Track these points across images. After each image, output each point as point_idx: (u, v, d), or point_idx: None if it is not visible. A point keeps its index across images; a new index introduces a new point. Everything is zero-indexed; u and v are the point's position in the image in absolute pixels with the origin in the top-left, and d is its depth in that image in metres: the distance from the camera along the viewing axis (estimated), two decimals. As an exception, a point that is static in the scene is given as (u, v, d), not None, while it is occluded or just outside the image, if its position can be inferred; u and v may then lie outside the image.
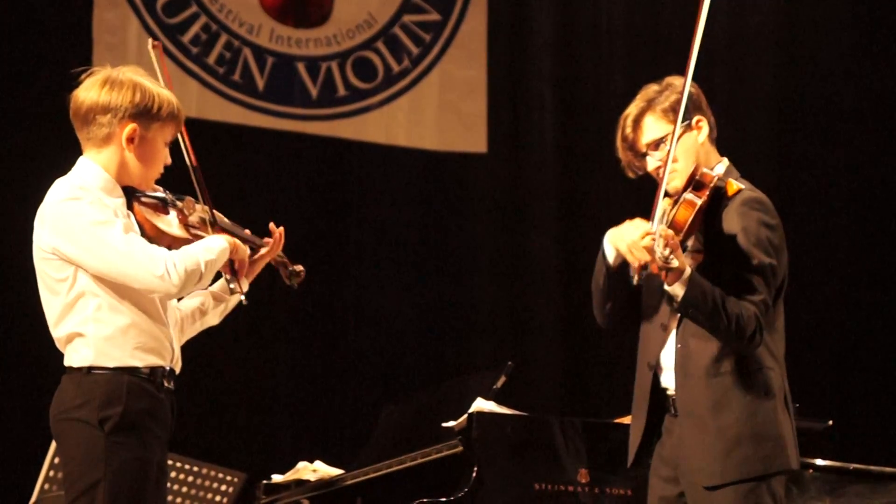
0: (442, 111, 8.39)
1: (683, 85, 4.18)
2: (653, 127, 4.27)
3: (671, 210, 4.08)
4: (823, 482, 5.58)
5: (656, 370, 4.25)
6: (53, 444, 5.39)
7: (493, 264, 8.40)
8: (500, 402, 5.22)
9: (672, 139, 4.18)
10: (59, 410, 3.97)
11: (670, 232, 3.99)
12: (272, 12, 8.24)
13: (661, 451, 4.27)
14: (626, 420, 5.27)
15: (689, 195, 4.07)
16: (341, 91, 8.29)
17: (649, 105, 4.28)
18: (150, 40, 4.28)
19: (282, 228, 4.34)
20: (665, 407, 4.25)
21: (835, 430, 5.82)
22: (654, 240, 3.96)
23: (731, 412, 4.10)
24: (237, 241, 4.15)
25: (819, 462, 5.57)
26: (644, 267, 4.05)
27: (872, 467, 5.68)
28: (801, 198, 8.31)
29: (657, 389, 4.25)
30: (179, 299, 4.23)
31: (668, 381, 4.24)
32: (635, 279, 4.09)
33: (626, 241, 4.08)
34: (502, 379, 5.32)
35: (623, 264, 4.18)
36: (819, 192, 8.33)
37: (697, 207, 4.05)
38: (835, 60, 8.63)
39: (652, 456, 4.31)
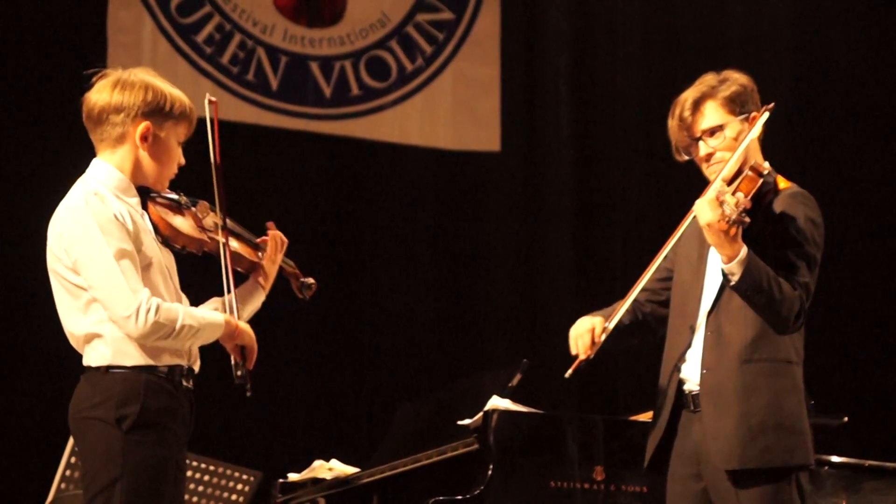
0: (456, 110, 8.40)
1: (747, 78, 4.32)
2: (713, 114, 4.29)
3: (735, 184, 4.12)
4: (839, 478, 5.58)
5: (680, 368, 4.28)
6: (70, 443, 5.41)
7: (507, 262, 8.41)
8: (515, 399, 5.22)
9: (741, 131, 4.26)
10: (77, 409, 3.98)
11: (740, 194, 4.04)
12: (286, 12, 8.25)
13: (679, 449, 4.27)
14: (642, 417, 5.28)
15: (750, 172, 4.13)
16: (355, 90, 8.30)
17: (711, 91, 4.31)
18: (207, 95, 4.22)
19: (278, 234, 4.36)
20: (684, 404, 4.26)
21: (850, 426, 5.81)
22: (723, 200, 3.99)
23: (759, 398, 4.12)
24: (243, 327, 4.10)
25: (835, 458, 5.57)
26: (580, 361, 4.33)
27: (888, 464, 5.69)
28: (817, 195, 8.30)
29: (681, 390, 4.27)
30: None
31: (689, 374, 4.25)
32: (569, 371, 4.31)
33: (576, 331, 4.38)
34: (518, 377, 5.33)
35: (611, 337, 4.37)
36: (835, 188, 8.32)
37: (759, 185, 4.11)
38: (851, 58, 8.62)
39: (669, 459, 4.32)
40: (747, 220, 3.99)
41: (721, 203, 3.99)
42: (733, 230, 4.00)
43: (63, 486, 5.50)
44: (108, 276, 3.92)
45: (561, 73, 8.48)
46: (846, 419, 5.78)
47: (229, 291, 4.17)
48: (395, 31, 8.39)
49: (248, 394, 4.10)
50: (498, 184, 8.45)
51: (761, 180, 4.13)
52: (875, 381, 8.31)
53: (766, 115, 4.27)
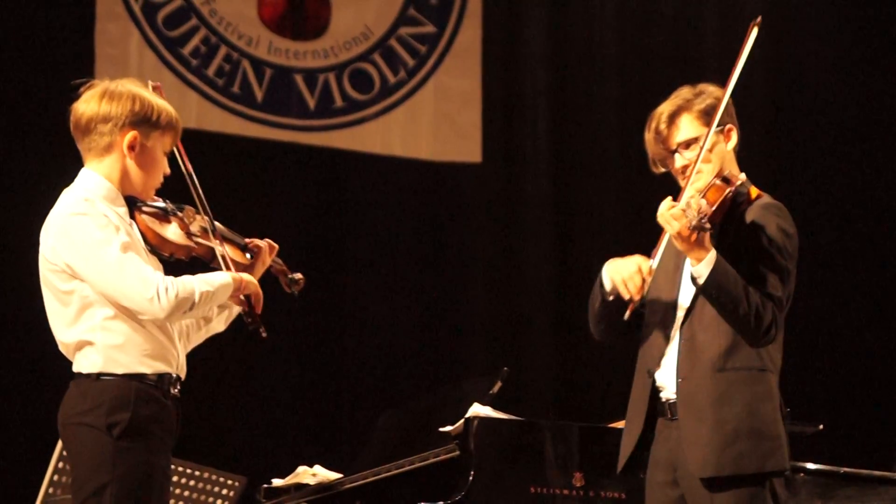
0: (437, 122, 8.44)
1: (722, 91, 4.30)
2: (688, 126, 4.31)
3: (702, 191, 4.13)
4: (814, 485, 5.60)
5: (655, 376, 4.29)
6: (58, 448, 5.43)
7: (488, 272, 8.45)
8: (496, 407, 5.26)
9: (706, 138, 4.25)
10: (67, 415, 4.02)
11: (702, 200, 4.05)
12: (270, 25, 8.29)
13: (656, 457, 4.29)
14: (620, 425, 5.30)
15: (718, 182, 4.15)
16: (338, 102, 8.34)
17: (687, 104, 4.33)
18: (149, 82, 4.28)
19: (268, 241, 4.42)
20: (661, 412, 4.29)
21: (825, 434, 5.87)
22: (684, 209, 4.01)
23: (732, 407, 4.13)
24: (246, 278, 4.17)
25: (810, 466, 5.58)
26: (634, 303, 4.18)
27: (862, 471, 5.70)
28: (791, 205, 8.34)
29: (655, 396, 4.29)
30: None
31: (665, 381, 4.27)
32: (627, 314, 4.20)
33: (621, 274, 4.20)
34: (498, 384, 5.37)
35: (619, 296, 4.24)
36: (809, 199, 8.38)
37: (726, 193, 4.12)
38: (824, 67, 8.68)
39: (644, 467, 4.33)
40: (708, 225, 4.00)
41: (684, 210, 4.02)
42: (694, 236, 4.01)
43: (51, 490, 5.51)
44: (119, 269, 3.96)
45: (540, 87, 8.53)
46: (821, 427, 5.82)
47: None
48: (378, 44, 8.43)
49: (264, 335, 4.19)
50: (479, 194, 8.49)
51: (728, 189, 4.12)
52: (850, 390, 8.36)
53: (755, 31, 4.29)
